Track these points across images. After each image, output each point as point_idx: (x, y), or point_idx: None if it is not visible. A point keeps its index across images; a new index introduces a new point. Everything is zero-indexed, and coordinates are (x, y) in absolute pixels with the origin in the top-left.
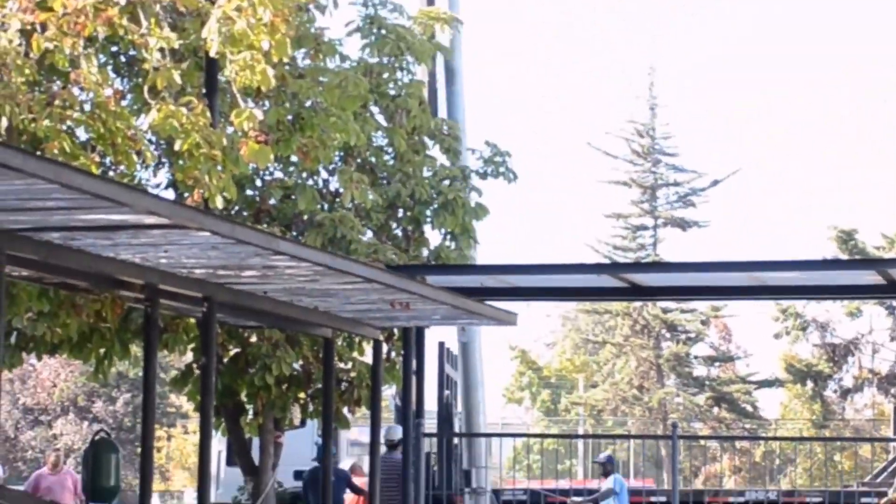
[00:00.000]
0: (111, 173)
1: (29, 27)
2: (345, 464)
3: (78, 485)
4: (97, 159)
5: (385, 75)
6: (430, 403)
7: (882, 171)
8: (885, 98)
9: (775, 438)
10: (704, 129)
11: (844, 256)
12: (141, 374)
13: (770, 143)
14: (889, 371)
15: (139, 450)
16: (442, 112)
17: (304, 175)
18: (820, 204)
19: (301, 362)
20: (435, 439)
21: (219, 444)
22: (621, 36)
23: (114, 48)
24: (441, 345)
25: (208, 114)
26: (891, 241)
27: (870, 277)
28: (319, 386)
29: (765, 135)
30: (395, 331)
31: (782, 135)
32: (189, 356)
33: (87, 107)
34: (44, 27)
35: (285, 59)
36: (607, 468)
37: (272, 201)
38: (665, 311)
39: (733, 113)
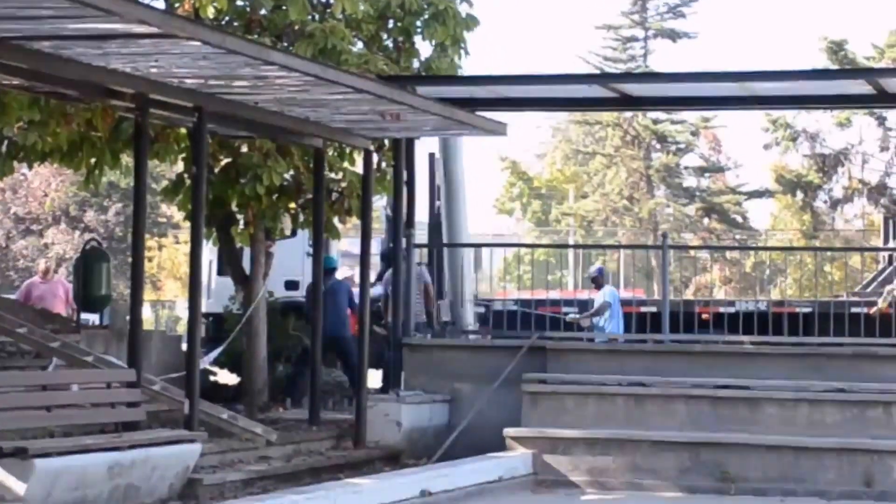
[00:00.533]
0: None
1: None
2: (340, 274)
3: (69, 293)
4: None
5: None
6: (421, 214)
7: None
8: None
9: (765, 248)
10: None
11: (835, 66)
12: (132, 183)
13: None
14: (879, 181)
15: (130, 259)
16: None
17: None
18: (810, 15)
19: (292, 172)
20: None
21: (210, 253)
22: None
23: None
24: (431, 156)
25: None
26: (881, 52)
27: (860, 87)
28: (310, 196)
29: None
30: (386, 142)
31: None
32: (180, 166)
33: None
34: None
35: None
36: (599, 281)
37: (263, 11)
38: (655, 121)
39: None
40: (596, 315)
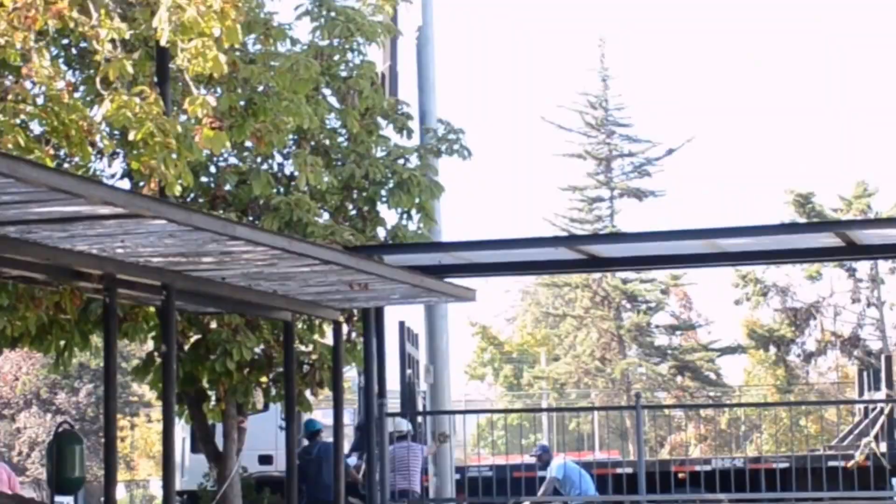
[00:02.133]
0: (66, 165)
1: None
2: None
3: (12, 477)
4: (52, 152)
5: (336, 57)
6: (393, 383)
7: (835, 134)
8: (835, 62)
9: (740, 405)
10: (657, 99)
11: (802, 220)
12: (102, 364)
13: (723, 110)
14: (851, 333)
15: (103, 440)
16: (407, 91)
17: (259, 160)
18: (776, 169)
19: (262, 346)
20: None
21: (182, 431)
22: (571, 9)
23: (65, 41)
24: (401, 324)
25: (161, 102)
26: (848, 203)
27: (828, 239)
28: (281, 370)
29: (717, 101)
30: (355, 311)
31: (735, 101)
32: (150, 345)
33: (40, 100)
34: None
35: (236, 45)
36: (543, 458)
37: (227, 187)
38: (624, 281)
39: (685, 81)
40: (546, 494)
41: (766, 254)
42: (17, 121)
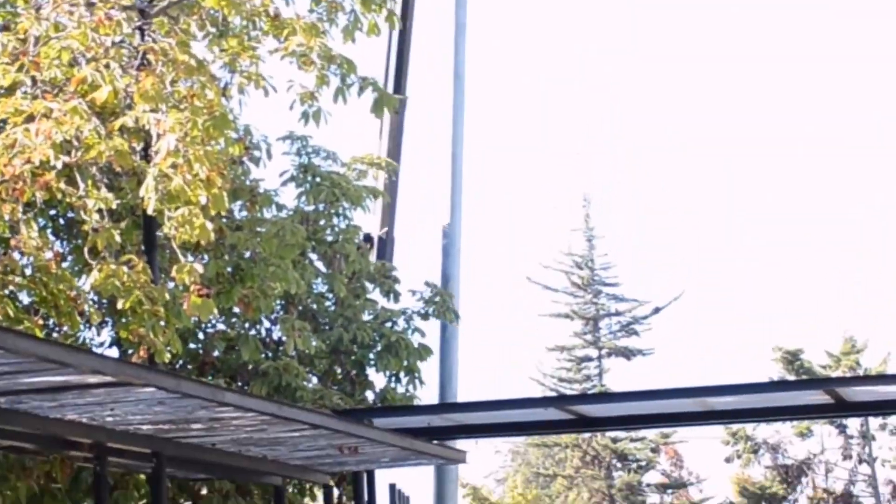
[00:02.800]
0: (55, 335)
1: None
2: None
3: None
4: (40, 322)
5: (322, 222)
6: None
7: (823, 290)
8: (819, 220)
9: None
10: (643, 258)
11: (791, 377)
12: None
13: (709, 268)
14: (844, 490)
15: None
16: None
17: (247, 325)
18: (764, 326)
19: None
20: None
21: None
22: (554, 167)
23: (52, 211)
24: (392, 486)
25: (149, 271)
26: (837, 360)
27: (818, 397)
28: None
29: (704, 259)
30: (346, 475)
31: (721, 258)
32: None
33: (28, 271)
34: None
35: (223, 213)
36: None
37: (216, 353)
38: (614, 440)
39: (671, 239)
40: None
41: (755, 411)
42: (6, 292)
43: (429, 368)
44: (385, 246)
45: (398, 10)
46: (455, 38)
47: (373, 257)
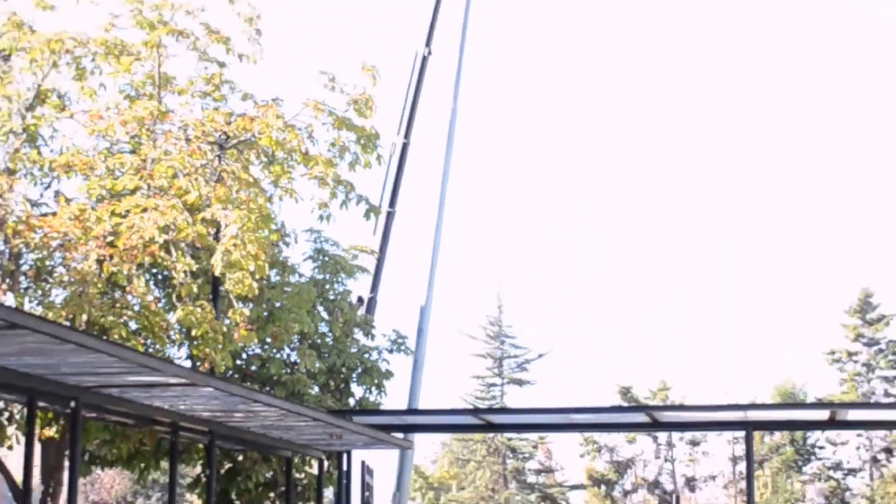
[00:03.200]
0: (151, 350)
1: (101, 258)
2: None
3: None
4: (142, 341)
5: (327, 286)
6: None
7: (648, 345)
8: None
9: None
10: (533, 319)
11: (625, 404)
12: (167, 480)
13: (578, 327)
14: (654, 479)
15: None
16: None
17: (275, 351)
18: (608, 368)
19: (271, 473)
20: None
21: None
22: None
23: (154, 270)
24: (363, 462)
25: (213, 311)
26: (654, 394)
27: (641, 417)
28: (283, 488)
29: (575, 320)
30: (333, 453)
31: (584, 322)
32: (198, 469)
33: (136, 308)
34: (111, 257)
35: (263, 277)
36: None
37: (253, 367)
38: (509, 438)
39: (552, 306)
40: None
41: (601, 425)
42: (122, 321)
43: (393, 386)
44: (371, 303)
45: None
46: (445, 157)
47: (362, 310)
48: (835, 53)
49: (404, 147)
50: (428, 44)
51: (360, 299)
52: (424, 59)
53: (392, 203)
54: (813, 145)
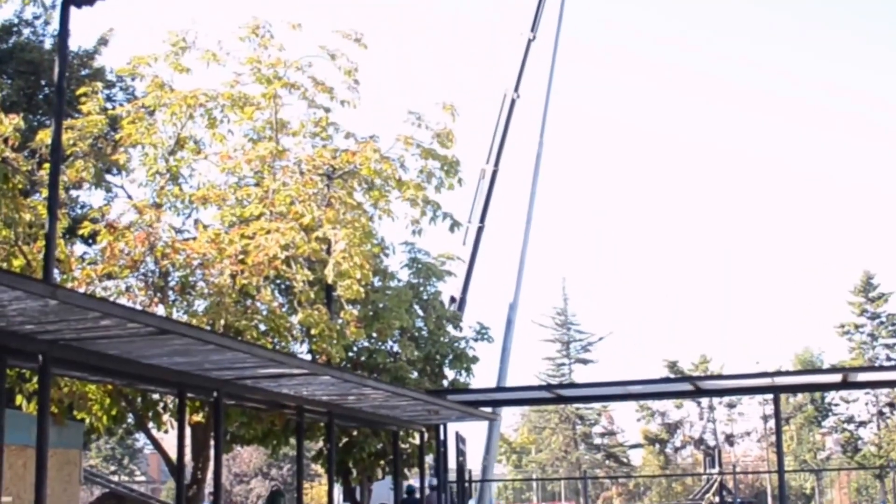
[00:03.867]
0: (277, 347)
1: (234, 273)
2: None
3: None
4: (270, 341)
5: (421, 289)
6: (452, 463)
7: (693, 324)
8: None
9: (639, 476)
10: (594, 308)
11: (672, 375)
12: (295, 453)
13: (630, 312)
14: (699, 436)
15: (296, 495)
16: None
17: (380, 344)
18: (657, 346)
19: (381, 445)
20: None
21: (338, 491)
22: (543, 251)
23: (278, 281)
24: (457, 433)
25: (328, 313)
26: (696, 366)
27: (686, 386)
28: (391, 457)
29: (627, 306)
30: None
31: (635, 305)
32: (320, 443)
33: (264, 313)
34: (242, 272)
35: (368, 283)
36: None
37: (363, 358)
38: (577, 408)
39: (614, 292)
40: None
41: (653, 394)
42: (252, 324)
43: (479, 368)
44: (462, 302)
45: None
46: (532, 182)
47: (453, 307)
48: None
49: (494, 173)
50: (516, 88)
51: (453, 299)
52: (513, 101)
53: (482, 219)
54: (824, 147)
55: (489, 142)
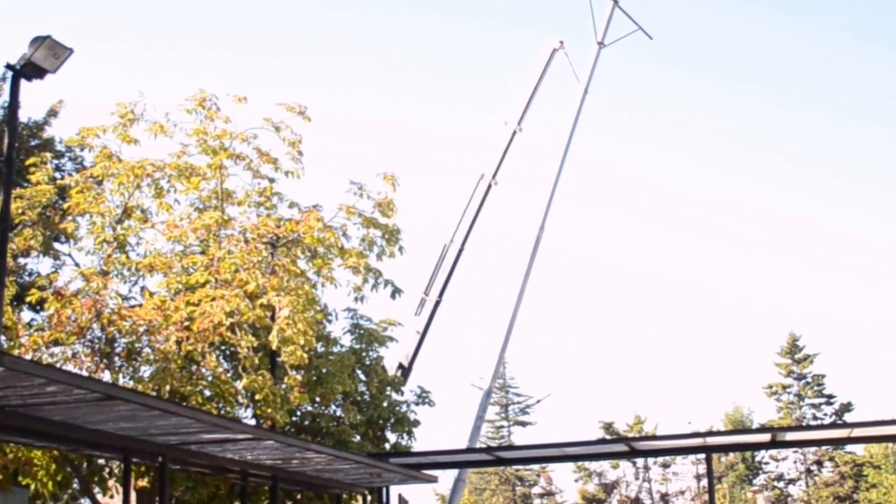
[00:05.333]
0: (222, 413)
1: (180, 339)
2: None
3: None
4: (215, 406)
5: (363, 354)
6: None
7: (624, 389)
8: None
9: None
10: (531, 372)
11: (608, 437)
12: None
13: (566, 376)
14: (635, 496)
15: None
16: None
17: (323, 408)
18: (592, 408)
19: None
20: None
21: None
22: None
23: (222, 347)
24: (399, 495)
25: (272, 378)
26: (631, 427)
27: (621, 447)
28: None
29: (564, 370)
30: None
31: (571, 368)
32: None
33: (209, 378)
34: (188, 338)
35: (311, 348)
36: None
37: (306, 422)
38: (517, 470)
39: (550, 356)
40: None
41: (590, 455)
42: (198, 389)
43: (420, 431)
44: (409, 370)
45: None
46: (528, 264)
47: (400, 373)
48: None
49: (460, 252)
50: (495, 175)
51: (401, 366)
52: (490, 186)
53: (441, 293)
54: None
55: (457, 219)
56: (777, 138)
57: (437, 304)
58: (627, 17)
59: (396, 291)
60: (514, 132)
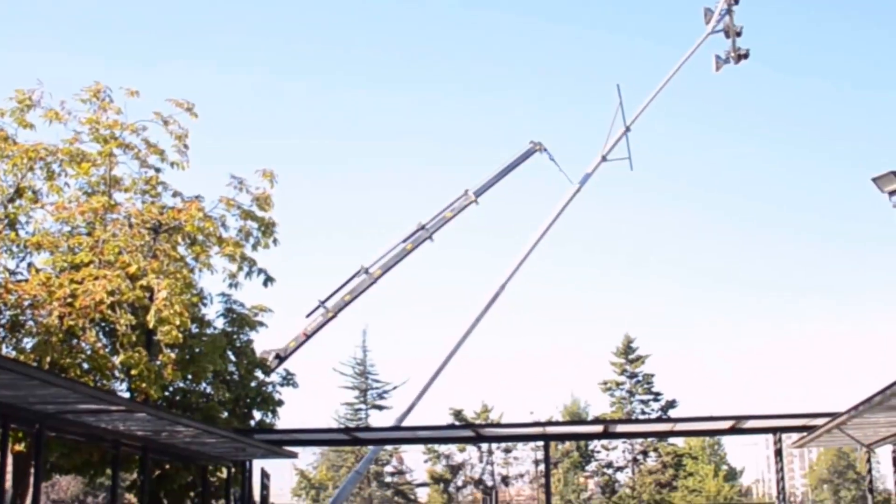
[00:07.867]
0: (99, 385)
1: (62, 314)
2: None
3: None
4: (92, 379)
5: (235, 336)
6: (258, 497)
7: (479, 381)
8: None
9: None
10: (390, 359)
11: (456, 422)
12: (111, 483)
13: (422, 363)
14: (479, 477)
15: None
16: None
17: (194, 385)
18: (445, 395)
19: (191, 478)
20: None
21: None
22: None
23: (102, 324)
24: (262, 469)
25: (147, 356)
26: (478, 414)
27: (468, 433)
28: (200, 490)
29: (421, 358)
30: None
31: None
32: (135, 474)
33: (88, 353)
34: (70, 314)
35: (186, 329)
36: None
37: (178, 398)
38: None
39: (408, 345)
40: None
41: (439, 439)
42: (77, 362)
43: (283, 410)
44: (283, 361)
45: None
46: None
47: (276, 363)
48: None
49: (376, 280)
50: (433, 233)
51: (278, 356)
52: (425, 240)
53: (339, 310)
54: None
55: (384, 252)
56: None
57: (332, 318)
58: (626, 146)
59: (269, 280)
60: (472, 202)
